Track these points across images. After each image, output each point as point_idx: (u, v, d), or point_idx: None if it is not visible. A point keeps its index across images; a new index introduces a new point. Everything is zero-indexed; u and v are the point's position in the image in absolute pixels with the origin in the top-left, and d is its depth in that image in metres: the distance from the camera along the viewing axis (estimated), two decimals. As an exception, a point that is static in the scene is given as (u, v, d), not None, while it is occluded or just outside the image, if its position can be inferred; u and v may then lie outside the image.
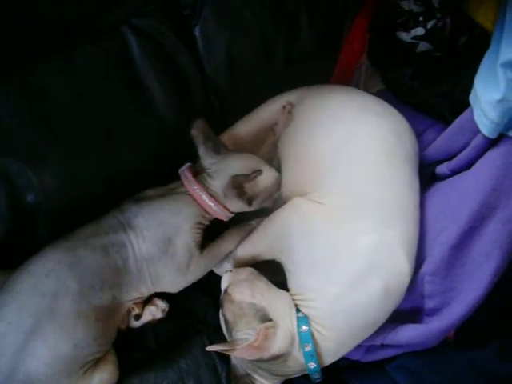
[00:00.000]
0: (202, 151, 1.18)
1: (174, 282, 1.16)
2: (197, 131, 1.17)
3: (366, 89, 1.45)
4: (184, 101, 1.27)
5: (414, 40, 1.28)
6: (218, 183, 1.15)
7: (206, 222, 1.17)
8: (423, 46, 1.28)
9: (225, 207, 1.17)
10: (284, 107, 1.31)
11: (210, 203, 1.14)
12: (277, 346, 1.00)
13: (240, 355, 1.01)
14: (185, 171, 1.18)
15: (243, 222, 1.23)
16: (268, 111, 1.36)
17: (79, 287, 1.03)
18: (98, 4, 1.11)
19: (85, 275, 1.04)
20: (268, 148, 1.35)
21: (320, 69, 1.43)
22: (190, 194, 1.15)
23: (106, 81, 1.16)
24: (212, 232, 1.20)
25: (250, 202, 1.15)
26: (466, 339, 1.11)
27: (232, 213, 1.19)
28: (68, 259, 1.04)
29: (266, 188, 1.17)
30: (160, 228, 1.10)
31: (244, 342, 0.99)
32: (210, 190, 1.15)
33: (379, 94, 1.35)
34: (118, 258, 1.07)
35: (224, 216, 1.18)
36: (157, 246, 1.09)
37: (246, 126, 1.36)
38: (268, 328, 1.00)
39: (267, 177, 1.17)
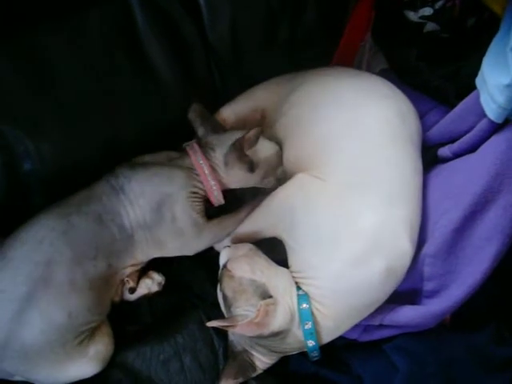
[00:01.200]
0: (200, 132, 1.18)
1: (182, 247, 1.14)
2: (194, 114, 1.18)
3: (369, 67, 1.45)
4: (186, 70, 1.24)
5: (422, 20, 1.25)
6: (219, 154, 1.14)
7: (203, 194, 1.15)
8: (430, 27, 1.25)
9: (222, 185, 1.16)
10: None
11: (212, 182, 1.13)
12: (277, 322, 1.00)
13: (240, 331, 1.00)
14: (193, 144, 1.16)
15: (258, 196, 1.20)
16: (265, 94, 1.35)
17: (73, 255, 1.01)
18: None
19: (79, 243, 1.02)
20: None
21: (325, 46, 1.41)
22: (189, 167, 1.13)
23: (108, 48, 1.13)
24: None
25: (251, 168, 1.14)
26: (462, 322, 1.11)
27: (225, 196, 1.18)
28: (62, 226, 1.02)
29: (266, 158, 1.17)
30: (154, 195, 1.08)
31: (244, 318, 0.99)
32: (214, 163, 1.14)
33: (382, 73, 1.35)
34: (112, 226, 1.06)
35: (217, 200, 1.17)
36: (152, 214, 1.08)
37: (244, 104, 1.35)
38: (268, 305, 1.00)
39: (267, 147, 1.18)
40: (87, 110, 1.13)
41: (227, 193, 1.19)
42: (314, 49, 1.38)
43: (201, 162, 1.13)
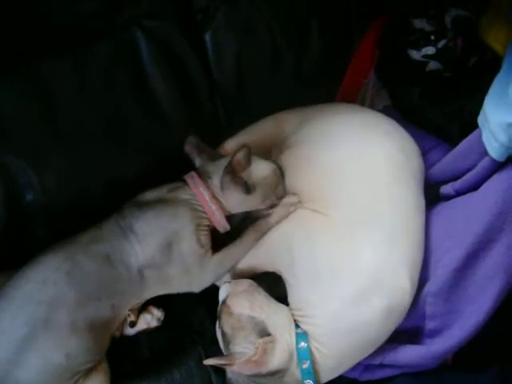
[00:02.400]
0: (198, 163, 1.19)
1: (189, 283, 1.13)
2: (190, 146, 1.18)
3: (373, 104, 1.46)
4: (191, 106, 1.26)
5: (424, 58, 1.27)
6: (215, 181, 1.14)
7: (209, 224, 1.15)
8: (433, 65, 1.27)
9: (224, 212, 1.15)
10: None
11: (213, 207, 1.13)
12: (275, 361, 0.99)
13: (238, 370, 0.98)
14: (191, 173, 1.17)
15: (259, 220, 1.19)
16: (271, 127, 1.35)
17: (77, 296, 1.00)
18: (111, 3, 1.10)
19: (83, 284, 1.01)
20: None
21: (329, 82, 1.43)
22: (190, 198, 1.13)
23: (113, 82, 1.14)
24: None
25: (247, 190, 1.13)
26: (465, 362, 1.10)
27: (229, 222, 1.17)
28: (66, 266, 1.01)
29: (263, 179, 1.16)
30: (161, 233, 1.07)
31: (242, 355, 0.97)
32: (212, 190, 1.14)
33: (385, 111, 1.36)
34: (119, 266, 1.04)
35: (222, 226, 1.16)
36: (161, 252, 1.07)
37: (248, 137, 1.34)
38: (267, 343, 0.99)
39: (263, 167, 1.17)
40: (90, 141, 1.13)
41: (231, 219, 1.19)
42: (318, 85, 1.40)
43: (200, 189, 1.13)
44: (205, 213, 1.13)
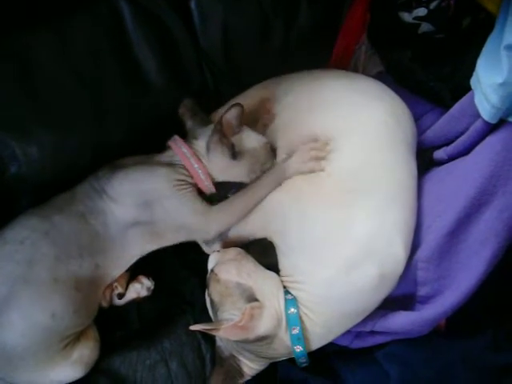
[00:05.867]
0: (189, 125, 1.18)
1: (191, 234, 1.12)
2: (184, 109, 1.18)
3: (365, 70, 1.43)
4: (177, 75, 1.23)
5: (416, 20, 1.24)
6: (202, 142, 1.13)
7: (190, 180, 1.13)
8: (425, 27, 1.24)
9: (208, 175, 1.13)
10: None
11: (195, 165, 1.11)
12: (262, 327, 0.98)
13: (224, 335, 0.98)
14: (174, 136, 1.16)
15: (276, 165, 1.15)
16: (261, 94, 1.33)
17: (55, 253, 1.00)
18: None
19: (61, 242, 1.02)
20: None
21: (319, 49, 1.40)
22: (170, 160, 1.12)
23: (96, 51, 1.12)
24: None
25: (234, 154, 1.12)
26: (457, 329, 1.09)
27: (214, 186, 1.15)
28: (43, 226, 1.02)
29: (252, 149, 1.15)
30: (136, 194, 1.07)
31: (229, 322, 0.97)
32: (196, 150, 1.13)
33: (378, 77, 1.33)
34: (97, 224, 1.05)
35: (206, 187, 1.14)
36: (140, 211, 1.06)
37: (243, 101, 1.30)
38: (254, 308, 0.98)
39: (253, 139, 1.16)
40: (75, 113, 1.12)
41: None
42: (309, 52, 1.36)
43: (183, 149, 1.12)
44: (186, 170, 1.11)
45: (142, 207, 1.06)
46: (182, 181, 1.11)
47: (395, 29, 1.30)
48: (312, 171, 1.10)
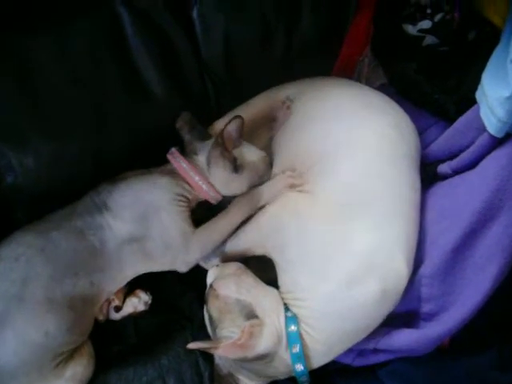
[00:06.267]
0: (187, 139, 1.16)
1: (172, 260, 1.09)
2: (182, 123, 1.16)
3: (368, 82, 1.41)
4: (178, 84, 1.21)
5: (421, 33, 1.24)
6: (202, 157, 1.12)
7: (189, 196, 1.11)
8: (429, 40, 1.24)
9: (210, 184, 1.12)
10: (283, 103, 1.25)
11: (196, 178, 1.10)
12: (262, 345, 0.96)
13: (223, 354, 0.95)
14: (172, 150, 1.14)
15: (251, 190, 1.15)
16: (265, 103, 1.31)
17: (51, 272, 0.98)
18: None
19: (58, 260, 0.99)
20: (262, 143, 1.29)
21: (321, 59, 1.37)
22: (170, 173, 1.10)
23: (96, 59, 1.09)
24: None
25: (235, 168, 1.10)
26: (462, 346, 1.08)
27: (219, 194, 1.14)
28: (39, 243, 0.99)
29: (252, 163, 1.14)
30: (136, 206, 1.05)
31: (228, 340, 0.95)
32: (196, 165, 1.12)
33: (381, 89, 1.31)
34: (95, 241, 1.02)
35: (211, 197, 1.13)
36: (137, 224, 1.04)
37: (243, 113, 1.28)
38: (254, 326, 0.96)
39: (253, 152, 1.16)
40: (74, 122, 1.09)
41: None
42: (311, 62, 1.34)
43: (183, 164, 1.10)
44: (186, 183, 1.10)
45: (139, 221, 1.04)
46: (182, 196, 1.09)
47: (399, 41, 1.29)
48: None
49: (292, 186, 1.11)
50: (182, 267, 1.10)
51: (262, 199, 1.13)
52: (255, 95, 1.33)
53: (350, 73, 1.42)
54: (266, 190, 1.13)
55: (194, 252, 1.08)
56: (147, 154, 1.17)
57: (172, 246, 1.07)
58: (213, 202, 1.15)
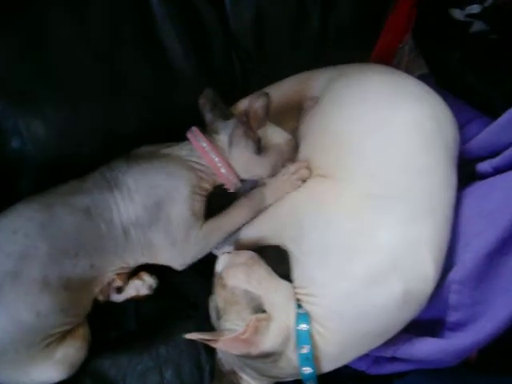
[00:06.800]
0: (208, 118, 1.09)
1: (171, 256, 1.04)
2: (204, 100, 1.09)
3: (408, 72, 1.30)
4: (203, 59, 1.15)
5: (468, 18, 1.16)
6: (223, 136, 1.06)
7: (209, 187, 1.06)
8: (478, 26, 1.16)
9: (231, 168, 1.06)
10: (311, 99, 1.19)
11: (216, 159, 1.04)
12: (268, 342, 0.89)
13: (224, 348, 0.89)
14: (193, 128, 1.08)
15: (254, 189, 1.10)
16: (294, 88, 1.25)
17: (50, 250, 0.93)
18: None
19: (58, 237, 0.94)
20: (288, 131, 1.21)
21: (358, 46, 1.30)
22: (187, 157, 1.05)
23: (116, 26, 1.05)
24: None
25: (258, 149, 1.04)
26: (490, 362, 1.00)
27: (239, 179, 1.08)
28: (41, 217, 0.94)
29: (278, 145, 1.08)
30: (151, 190, 0.99)
31: (231, 333, 0.88)
32: (217, 145, 1.06)
33: (421, 79, 1.22)
34: (100, 221, 0.97)
35: (230, 182, 1.07)
36: (147, 211, 0.99)
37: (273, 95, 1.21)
38: (260, 320, 0.90)
39: (278, 134, 1.10)
40: (88, 92, 1.05)
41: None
42: (347, 46, 1.27)
43: (203, 143, 1.04)
44: (204, 172, 1.04)
45: (151, 208, 0.99)
46: (200, 187, 1.04)
47: (444, 27, 1.22)
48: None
49: (299, 181, 1.06)
50: (178, 265, 1.06)
51: (267, 200, 1.08)
52: (284, 76, 1.26)
53: (388, 61, 1.34)
54: (271, 190, 1.08)
55: (193, 250, 1.04)
56: (165, 133, 1.12)
57: (174, 243, 1.02)
58: (230, 187, 1.09)
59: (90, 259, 0.97)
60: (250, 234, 1.09)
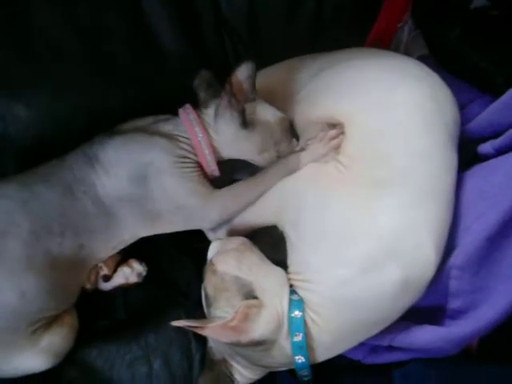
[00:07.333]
0: (202, 97, 1.05)
1: (187, 220, 1.01)
2: (199, 81, 1.05)
3: (407, 53, 1.31)
4: (193, 41, 1.14)
5: None
6: (211, 110, 1.02)
7: (195, 158, 1.02)
8: (478, 2, 1.14)
9: (212, 148, 1.02)
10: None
11: (200, 135, 1.00)
12: (259, 329, 0.86)
13: (212, 335, 0.87)
14: (186, 105, 1.05)
15: (290, 155, 1.04)
16: (286, 72, 1.21)
17: (33, 228, 0.90)
18: None
19: (42, 216, 0.92)
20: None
21: (355, 25, 1.27)
22: (172, 131, 1.01)
23: (102, 8, 1.03)
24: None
25: (245, 123, 0.99)
26: (491, 351, 0.97)
27: (219, 165, 1.04)
28: (22, 195, 0.92)
29: (267, 122, 1.02)
30: (131, 163, 0.96)
31: (220, 320, 0.85)
32: (203, 119, 1.02)
33: (421, 60, 1.18)
34: (85, 199, 0.95)
35: (207, 165, 1.03)
36: (133, 185, 0.96)
37: (261, 80, 1.15)
38: (250, 307, 0.86)
39: (270, 112, 1.04)
40: (71, 71, 1.03)
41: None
42: (344, 27, 1.24)
43: (191, 116, 1.02)
44: (190, 146, 1.01)
45: (137, 182, 0.96)
46: (186, 157, 1.00)
47: (444, 3, 1.19)
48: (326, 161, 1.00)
49: (336, 148, 1.00)
50: (204, 223, 1.04)
51: (302, 163, 1.02)
52: (278, 60, 1.24)
53: (387, 42, 1.32)
54: (308, 152, 1.02)
55: (214, 209, 1.00)
56: (152, 114, 1.07)
57: (183, 207, 0.98)
58: (209, 173, 1.05)
59: (77, 238, 0.95)
60: (247, 214, 1.05)
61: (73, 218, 0.94)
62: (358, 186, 0.93)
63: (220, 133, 1.01)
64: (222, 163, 1.05)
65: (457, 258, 0.89)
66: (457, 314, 0.90)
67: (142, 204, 0.97)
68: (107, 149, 0.97)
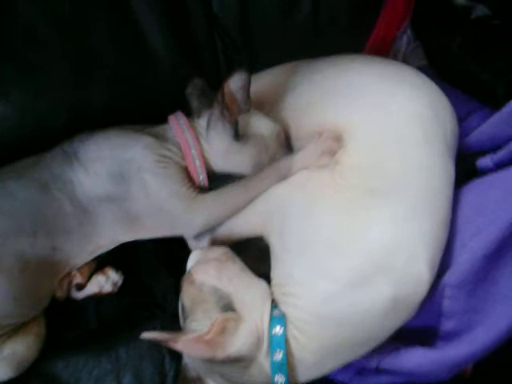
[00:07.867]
0: (194, 105, 1.02)
1: (171, 225, 0.97)
2: (192, 89, 1.02)
3: (406, 62, 1.26)
4: (182, 41, 1.10)
5: (470, 3, 1.10)
6: (203, 121, 0.99)
7: (179, 159, 0.98)
8: (480, 11, 1.10)
9: (204, 159, 0.99)
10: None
11: (191, 141, 0.97)
12: (236, 345, 0.81)
13: (184, 350, 0.80)
14: (178, 112, 1.02)
15: (282, 159, 1.00)
16: (279, 77, 1.17)
17: (4, 227, 0.87)
18: None
19: (13, 213, 0.89)
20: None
21: (353, 31, 1.24)
22: (159, 133, 0.99)
23: (86, 4, 0.98)
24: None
25: (236, 133, 0.96)
26: (486, 376, 0.96)
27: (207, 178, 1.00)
28: None
29: (260, 135, 0.99)
30: (113, 162, 0.93)
31: (194, 333, 0.80)
32: (195, 128, 0.99)
33: (420, 70, 1.16)
34: (62, 197, 0.91)
35: (197, 173, 0.99)
36: (113, 183, 0.92)
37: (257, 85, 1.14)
38: (228, 320, 0.81)
39: (265, 124, 1.01)
40: (52, 67, 0.99)
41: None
42: (341, 33, 1.21)
43: (181, 123, 0.99)
44: (178, 149, 0.97)
45: (117, 179, 0.92)
46: (171, 159, 0.96)
47: (444, 12, 1.16)
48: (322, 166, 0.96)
49: (331, 153, 0.96)
50: (188, 229, 0.99)
51: (295, 168, 0.98)
52: (270, 64, 1.20)
53: (385, 50, 1.29)
54: (300, 157, 0.98)
55: (198, 214, 0.96)
56: (136, 114, 1.07)
57: (166, 209, 0.94)
58: (196, 182, 1.00)
59: (50, 240, 0.91)
60: (232, 224, 1.01)
61: (47, 217, 0.91)
62: (351, 194, 0.90)
63: (212, 145, 0.99)
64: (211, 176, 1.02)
65: (452, 276, 0.86)
66: (450, 336, 0.87)
67: (121, 204, 0.93)
68: (88, 144, 0.94)
